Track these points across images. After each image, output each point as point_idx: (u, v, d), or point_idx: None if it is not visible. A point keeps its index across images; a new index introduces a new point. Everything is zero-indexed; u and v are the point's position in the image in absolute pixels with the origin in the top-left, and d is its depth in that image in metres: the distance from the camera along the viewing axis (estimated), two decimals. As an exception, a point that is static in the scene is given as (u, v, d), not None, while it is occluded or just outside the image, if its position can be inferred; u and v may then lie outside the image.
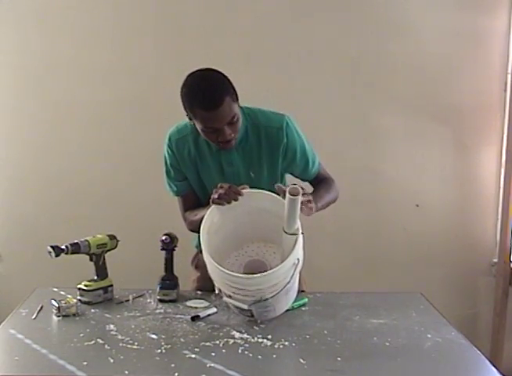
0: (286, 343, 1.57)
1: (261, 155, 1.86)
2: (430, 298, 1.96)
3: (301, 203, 1.58)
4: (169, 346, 1.54)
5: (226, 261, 1.81)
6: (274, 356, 1.50)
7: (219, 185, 1.70)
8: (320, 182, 1.97)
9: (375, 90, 2.82)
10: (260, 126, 1.84)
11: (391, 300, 1.95)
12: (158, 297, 1.89)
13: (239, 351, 1.52)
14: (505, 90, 2.82)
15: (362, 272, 2.89)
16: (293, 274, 1.61)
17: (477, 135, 2.86)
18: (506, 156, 2.82)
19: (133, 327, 1.67)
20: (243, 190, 1.68)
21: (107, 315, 1.77)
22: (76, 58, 2.77)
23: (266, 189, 1.70)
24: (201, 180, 1.92)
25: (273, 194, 1.67)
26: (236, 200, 1.68)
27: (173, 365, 1.43)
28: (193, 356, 1.48)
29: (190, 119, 1.76)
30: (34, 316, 1.74)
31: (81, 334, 1.61)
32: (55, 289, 1.98)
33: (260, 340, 1.58)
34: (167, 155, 1.92)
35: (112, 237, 1.94)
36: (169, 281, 1.90)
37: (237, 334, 1.62)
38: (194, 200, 1.95)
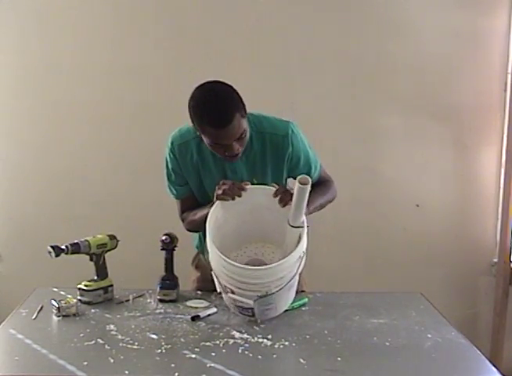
0: (287, 343, 1.57)
1: (266, 163, 1.84)
2: (430, 298, 1.96)
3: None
4: (169, 346, 1.54)
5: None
6: (274, 355, 1.50)
7: (222, 181, 1.71)
8: (317, 185, 1.92)
9: (375, 90, 2.82)
10: (265, 133, 1.82)
11: (390, 300, 1.95)
12: (158, 297, 1.89)
13: (240, 351, 1.52)
14: (505, 90, 2.82)
15: (362, 272, 2.89)
16: (298, 267, 1.62)
17: (477, 135, 2.86)
18: (506, 156, 2.82)
19: (133, 327, 1.67)
20: (247, 186, 1.70)
21: (107, 315, 1.77)
22: (76, 58, 2.77)
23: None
24: (203, 186, 1.89)
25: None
26: (239, 195, 1.68)
27: (173, 365, 1.43)
28: (193, 355, 1.48)
29: (195, 128, 1.72)
30: (34, 316, 1.74)
31: (81, 334, 1.61)
32: (55, 289, 1.98)
33: (260, 340, 1.58)
34: (168, 159, 1.89)
35: (112, 237, 1.94)
36: (169, 281, 1.90)
37: (237, 334, 1.62)
38: (194, 202, 1.92)
